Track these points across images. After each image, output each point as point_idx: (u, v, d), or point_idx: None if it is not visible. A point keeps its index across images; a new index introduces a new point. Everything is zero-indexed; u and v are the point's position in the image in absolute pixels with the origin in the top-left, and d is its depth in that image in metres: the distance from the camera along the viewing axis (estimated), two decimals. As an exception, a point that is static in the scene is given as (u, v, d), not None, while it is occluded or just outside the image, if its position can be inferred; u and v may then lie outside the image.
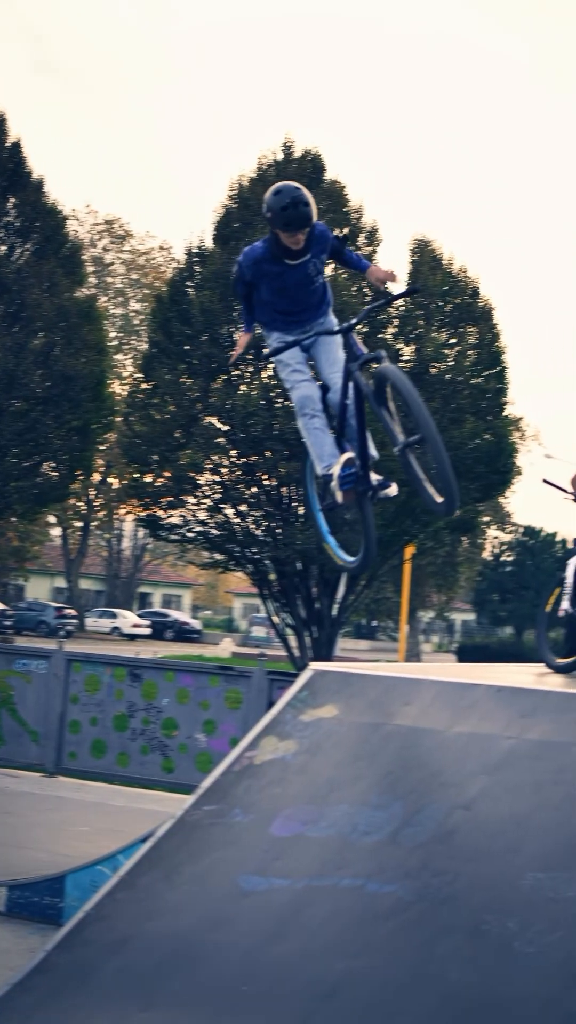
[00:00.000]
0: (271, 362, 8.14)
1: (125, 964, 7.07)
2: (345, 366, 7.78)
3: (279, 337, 7.99)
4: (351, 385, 7.72)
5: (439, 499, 7.23)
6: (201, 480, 31.69)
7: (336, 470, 7.73)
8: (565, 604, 10.04)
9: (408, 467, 7.39)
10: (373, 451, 7.86)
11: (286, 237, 7.52)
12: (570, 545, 10.62)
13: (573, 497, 10.56)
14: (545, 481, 10.72)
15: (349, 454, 7.77)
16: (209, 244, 31.96)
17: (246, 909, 7.18)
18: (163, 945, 7.10)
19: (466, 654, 57.51)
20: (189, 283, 31.76)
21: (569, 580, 10.08)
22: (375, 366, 7.53)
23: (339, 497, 7.82)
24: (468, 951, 6.56)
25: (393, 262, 37.13)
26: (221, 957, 6.91)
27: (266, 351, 7.98)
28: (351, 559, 8.38)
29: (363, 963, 6.65)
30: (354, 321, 7.67)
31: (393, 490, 7.87)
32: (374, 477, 7.88)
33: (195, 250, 32.02)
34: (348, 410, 7.79)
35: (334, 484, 7.80)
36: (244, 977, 6.74)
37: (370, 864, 7.23)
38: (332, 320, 8.08)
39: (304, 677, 8.94)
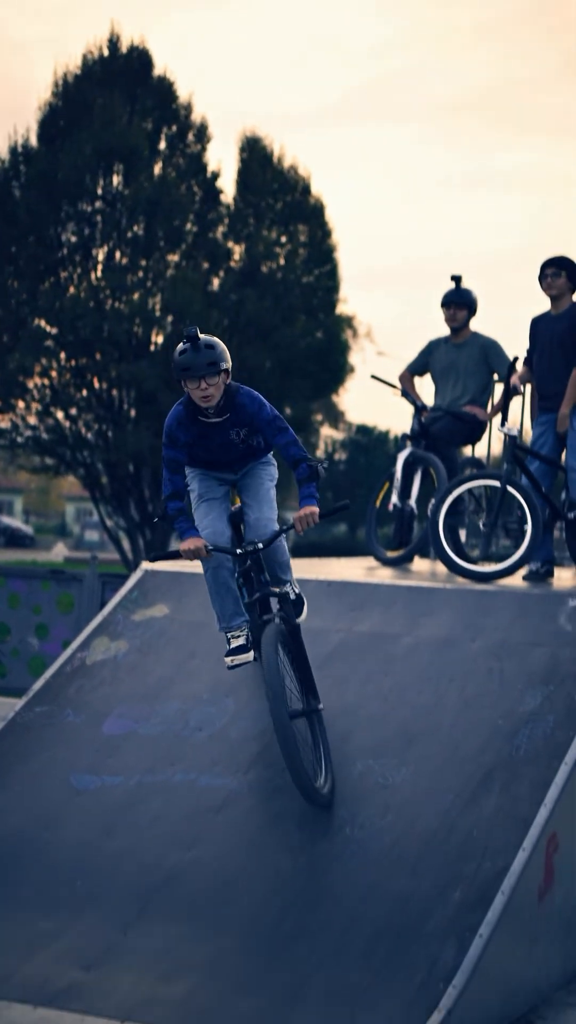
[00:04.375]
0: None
1: (-42, 866, 7.05)
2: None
3: (202, 474, 7.24)
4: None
5: (320, 779, 6.79)
6: (30, 384, 31.23)
7: (226, 659, 7.13)
8: (394, 498, 10.14)
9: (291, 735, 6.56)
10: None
11: (191, 388, 6.72)
12: (400, 441, 10.66)
13: (401, 392, 10.62)
14: (373, 377, 10.77)
15: (244, 657, 7.07)
16: (34, 142, 31.27)
17: (79, 807, 7.20)
18: (-4, 845, 7.10)
19: (300, 552, 57.88)
20: (14, 183, 31.08)
21: (398, 475, 10.17)
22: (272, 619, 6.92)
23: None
24: (298, 840, 6.68)
25: (223, 159, 36.84)
26: (55, 854, 6.93)
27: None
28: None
29: (196, 854, 6.73)
30: (260, 546, 6.90)
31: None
32: None
33: (20, 149, 31.30)
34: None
35: (227, 653, 7.17)
36: (78, 872, 6.78)
37: (202, 759, 7.29)
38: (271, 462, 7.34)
39: (135, 577, 8.93)
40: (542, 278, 9.61)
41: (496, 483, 9.13)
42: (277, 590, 7.05)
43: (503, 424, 9.32)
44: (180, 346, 6.73)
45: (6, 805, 7.35)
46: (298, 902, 6.33)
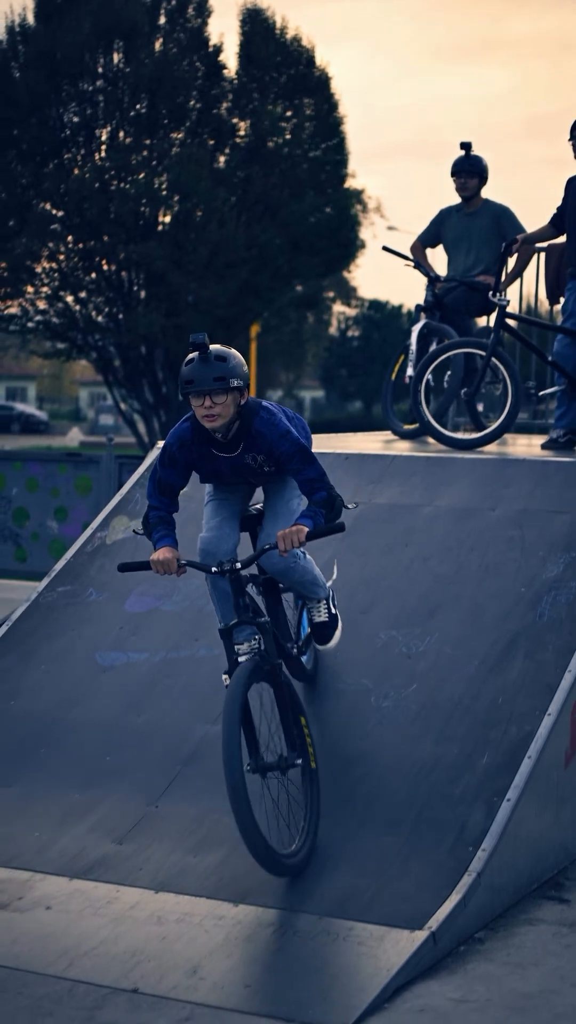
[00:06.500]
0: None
1: (-13, 745, 7.13)
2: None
3: (212, 489, 6.43)
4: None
5: (293, 844, 5.93)
6: (38, 268, 31.02)
7: (223, 676, 6.27)
8: (410, 371, 10.06)
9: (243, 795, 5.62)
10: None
11: (195, 405, 5.83)
12: (414, 313, 10.58)
13: (414, 264, 10.50)
14: (385, 248, 10.64)
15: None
16: (32, 21, 30.72)
17: (105, 684, 7.25)
18: (25, 723, 7.16)
19: (316, 430, 57.62)
20: (13, 63, 30.60)
21: (413, 347, 10.09)
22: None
23: None
24: (323, 710, 6.72)
25: (225, 33, 36.14)
26: (84, 731, 6.99)
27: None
28: None
29: (222, 727, 6.76)
30: (239, 565, 5.99)
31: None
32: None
33: (17, 28, 30.77)
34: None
35: (225, 671, 6.32)
36: (108, 748, 6.84)
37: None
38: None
39: (152, 456, 8.91)
40: (571, 138, 9.28)
41: (481, 352, 9.10)
42: (258, 619, 6.08)
43: (495, 294, 9.22)
44: (188, 356, 5.89)
45: (34, 683, 7.41)
46: (325, 771, 6.37)
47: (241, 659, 6.01)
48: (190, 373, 5.80)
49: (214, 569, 5.99)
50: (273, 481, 6.29)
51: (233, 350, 5.90)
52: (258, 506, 6.43)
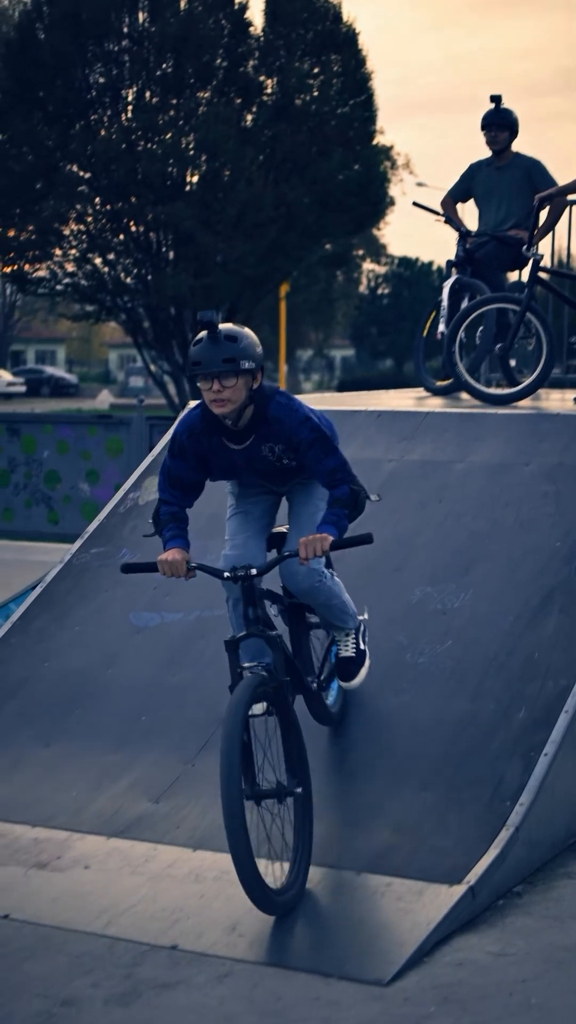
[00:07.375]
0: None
1: (24, 705, 7.15)
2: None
3: (232, 488, 6.08)
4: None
5: (284, 879, 5.52)
6: (66, 231, 30.94)
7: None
8: (441, 327, 10.00)
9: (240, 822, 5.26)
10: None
11: (203, 388, 5.44)
12: (445, 268, 10.50)
13: (444, 219, 10.42)
14: (415, 204, 10.58)
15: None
16: (56, -20, 30.54)
17: (140, 644, 7.26)
18: (60, 684, 7.18)
19: (347, 389, 57.75)
20: (38, 24, 30.44)
21: (445, 303, 10.02)
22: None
23: None
24: (360, 666, 6.70)
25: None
26: (118, 691, 7.00)
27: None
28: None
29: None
30: (254, 571, 5.58)
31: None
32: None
33: (42, -12, 30.60)
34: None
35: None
36: (143, 707, 6.85)
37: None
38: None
39: (183, 415, 8.87)
40: None
41: (515, 307, 9.04)
42: (267, 632, 5.68)
43: (528, 248, 9.16)
44: (196, 335, 5.51)
45: (69, 644, 7.42)
46: (362, 728, 6.38)
47: (246, 675, 5.60)
48: (198, 354, 5.43)
49: (226, 575, 5.61)
50: (297, 488, 5.97)
51: (246, 329, 5.53)
52: (288, 526, 6.07)
